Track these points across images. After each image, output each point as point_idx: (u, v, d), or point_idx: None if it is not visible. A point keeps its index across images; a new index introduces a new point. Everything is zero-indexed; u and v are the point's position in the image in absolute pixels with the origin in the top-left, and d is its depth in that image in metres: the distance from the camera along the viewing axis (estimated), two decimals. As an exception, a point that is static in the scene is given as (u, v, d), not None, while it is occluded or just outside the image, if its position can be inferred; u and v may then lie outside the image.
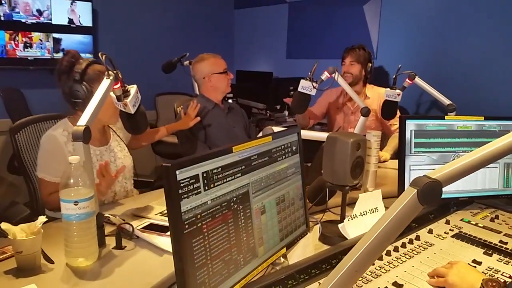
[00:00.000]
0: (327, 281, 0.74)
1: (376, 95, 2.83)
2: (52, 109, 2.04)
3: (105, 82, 1.34)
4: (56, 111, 1.95)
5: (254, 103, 3.82)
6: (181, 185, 0.80)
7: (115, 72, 1.35)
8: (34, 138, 1.81)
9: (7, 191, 3.30)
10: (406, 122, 1.54)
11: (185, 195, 0.81)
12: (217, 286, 0.88)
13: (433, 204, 0.70)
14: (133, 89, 1.43)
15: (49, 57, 3.65)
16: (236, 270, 0.94)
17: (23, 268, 1.11)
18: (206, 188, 0.86)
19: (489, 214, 1.56)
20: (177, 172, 0.79)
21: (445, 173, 0.74)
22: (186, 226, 0.81)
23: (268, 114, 3.77)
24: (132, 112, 1.43)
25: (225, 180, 0.92)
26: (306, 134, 1.56)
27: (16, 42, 3.44)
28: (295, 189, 1.20)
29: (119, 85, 1.37)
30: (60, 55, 3.68)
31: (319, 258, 1.14)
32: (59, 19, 3.66)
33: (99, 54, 1.35)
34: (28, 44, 3.51)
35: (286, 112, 3.89)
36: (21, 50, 3.47)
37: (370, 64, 2.84)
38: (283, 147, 1.15)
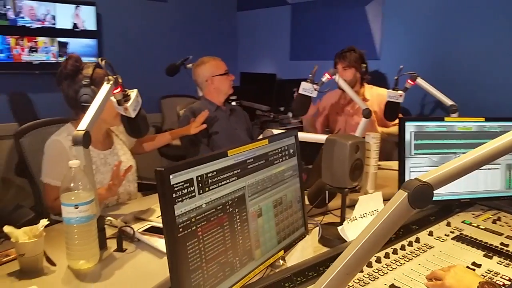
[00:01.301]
0: (318, 284, 0.75)
1: (375, 96, 2.82)
2: (58, 112, 2.06)
3: (105, 87, 1.36)
4: (62, 115, 1.97)
5: (258, 105, 3.82)
6: (175, 189, 0.81)
7: (114, 77, 1.37)
8: (38, 142, 1.83)
9: (16, 194, 3.33)
10: (406, 124, 1.54)
11: (179, 199, 0.82)
12: (212, 289, 0.89)
13: (424, 207, 0.70)
14: (133, 93, 1.45)
15: (54, 61, 3.68)
16: (232, 273, 0.95)
17: (25, 270, 1.12)
18: (201, 192, 0.87)
19: (491, 216, 1.55)
20: (171, 176, 0.80)
21: (436, 176, 0.74)
22: (181, 230, 0.82)
23: (272, 116, 3.77)
24: (133, 116, 1.44)
25: (220, 184, 0.92)
26: (304, 136, 1.57)
27: (22, 47, 3.49)
28: (293, 192, 1.21)
29: (119, 89, 1.39)
30: (63, 59, 3.72)
31: (316, 261, 1.15)
32: (64, 23, 3.70)
33: (99, 59, 1.37)
34: (33, 49, 3.55)
35: (290, 114, 3.89)
36: (26, 55, 3.51)
37: (365, 65, 2.82)
38: (280, 150, 1.16)
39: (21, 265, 1.12)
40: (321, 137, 1.55)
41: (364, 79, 2.87)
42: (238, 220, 0.97)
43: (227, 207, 0.94)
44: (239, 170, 0.99)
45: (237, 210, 0.97)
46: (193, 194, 0.85)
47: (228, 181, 0.95)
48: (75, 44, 3.79)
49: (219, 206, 0.92)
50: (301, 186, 1.25)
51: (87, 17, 3.84)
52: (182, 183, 0.82)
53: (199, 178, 0.87)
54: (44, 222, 1.15)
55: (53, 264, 1.17)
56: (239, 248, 0.97)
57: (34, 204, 1.81)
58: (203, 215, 0.87)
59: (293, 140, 1.23)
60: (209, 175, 0.90)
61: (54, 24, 3.64)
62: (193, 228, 0.85)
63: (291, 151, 1.21)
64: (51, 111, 2.50)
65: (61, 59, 3.71)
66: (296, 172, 1.23)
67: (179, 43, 4.55)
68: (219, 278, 0.91)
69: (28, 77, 3.59)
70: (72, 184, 1.13)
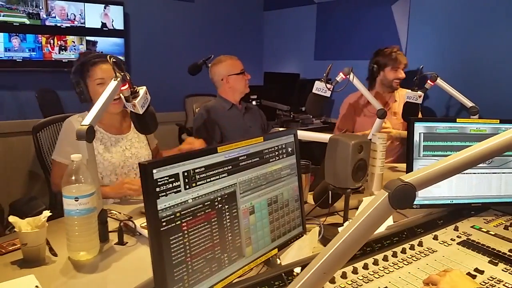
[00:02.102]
0: (295, 282, 0.74)
1: (403, 97, 2.77)
2: (84, 109, 2.14)
3: (112, 84, 1.39)
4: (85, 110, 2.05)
5: (278, 104, 3.82)
6: (158, 183, 0.82)
7: (122, 74, 1.40)
8: (55, 136, 1.90)
9: (42, 187, 3.46)
10: (415, 124, 1.50)
11: (163, 193, 0.83)
12: (197, 283, 0.90)
13: (404, 208, 0.68)
14: (142, 90, 1.48)
15: (83, 60, 3.80)
16: (219, 269, 0.95)
17: (28, 259, 1.17)
18: (187, 187, 0.88)
19: (504, 222, 1.49)
20: (154, 170, 0.81)
21: (419, 176, 0.72)
22: (164, 224, 0.83)
23: (292, 116, 3.75)
24: (141, 113, 1.48)
25: (208, 180, 0.93)
26: (307, 135, 1.55)
27: (52, 45, 3.62)
28: (290, 191, 1.20)
29: (126, 86, 1.42)
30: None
31: (310, 261, 1.13)
32: (92, 22, 3.82)
33: (107, 57, 1.41)
34: (63, 47, 3.68)
35: (313, 114, 3.86)
36: (56, 53, 3.64)
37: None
38: (276, 148, 1.15)
39: (24, 254, 1.17)
40: (324, 137, 1.53)
41: None
42: (227, 217, 0.98)
43: (216, 203, 0.95)
44: (230, 167, 0.99)
45: (227, 206, 0.98)
46: (178, 189, 0.86)
47: (217, 177, 0.95)
48: (103, 43, 3.90)
49: (207, 202, 0.92)
50: (299, 185, 1.24)
51: (115, 17, 3.94)
52: (167, 178, 0.83)
53: (186, 173, 0.88)
54: (46, 213, 1.19)
55: (55, 254, 1.21)
56: (228, 245, 0.98)
57: (49, 197, 1.87)
58: (189, 210, 0.88)
59: (292, 139, 1.22)
60: (197, 170, 0.90)
61: (83, 23, 3.76)
62: (177, 223, 0.85)
63: (290, 149, 1.20)
64: (78, 107, 2.58)
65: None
66: (294, 171, 1.22)
67: (205, 43, 4.60)
68: (205, 273, 0.91)
69: (57, 75, 3.71)
70: (73, 177, 1.17)
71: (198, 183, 0.91)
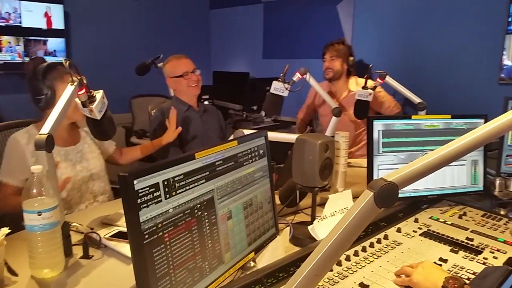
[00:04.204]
0: (286, 286, 0.74)
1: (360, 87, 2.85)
2: (22, 114, 2.01)
3: (69, 88, 1.32)
4: (26, 117, 1.91)
5: (230, 104, 3.81)
6: (140, 194, 0.79)
7: (79, 78, 1.33)
8: (1, 146, 1.77)
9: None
10: (374, 122, 1.56)
11: (144, 205, 0.80)
12: (181, 295, 0.87)
13: (389, 206, 0.71)
14: (98, 94, 1.41)
15: (20, 61, 3.57)
16: (201, 278, 0.93)
17: (-15, 281, 1.08)
18: (168, 197, 0.85)
19: (457, 211, 1.59)
20: (135, 181, 0.78)
21: (401, 175, 0.75)
22: (146, 236, 0.80)
23: (245, 115, 3.76)
24: (98, 118, 1.41)
25: (188, 187, 0.91)
26: (274, 136, 1.56)
27: (-16, 46, 3.37)
28: (263, 193, 1.20)
29: (83, 91, 1.35)
30: (31, 59, 3.61)
31: (287, 261, 1.14)
32: (30, 21, 3.59)
33: (63, 60, 1.33)
34: (-4, 48, 3.43)
35: (263, 113, 3.89)
36: (-11, 55, 3.40)
37: (352, 58, 2.84)
38: (249, 151, 1.15)
39: (-19, 277, 1.08)
40: (291, 137, 1.55)
41: (350, 72, 2.89)
42: (207, 224, 0.96)
43: (196, 211, 0.93)
44: (207, 173, 0.97)
45: (206, 213, 0.96)
46: (159, 199, 0.83)
47: (196, 184, 0.93)
48: (41, 44, 3.68)
49: (187, 210, 0.90)
50: (271, 186, 1.24)
51: (55, 16, 3.73)
52: (147, 188, 0.80)
53: (166, 182, 0.85)
54: (5, 230, 1.10)
55: (14, 274, 1.12)
56: (208, 252, 0.96)
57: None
58: (170, 220, 0.85)
59: (263, 141, 1.22)
60: (176, 178, 0.88)
61: (19, 22, 3.53)
62: (159, 234, 0.83)
63: (261, 151, 1.21)
64: (16, 113, 2.42)
65: (28, 59, 3.60)
66: (266, 173, 1.22)
67: (151, 42, 4.49)
68: (188, 284, 0.89)
69: (-9, 78, 3.47)
70: (34, 190, 1.09)
71: (178, 191, 0.88)
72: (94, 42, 4.11)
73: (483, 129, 0.80)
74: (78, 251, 1.26)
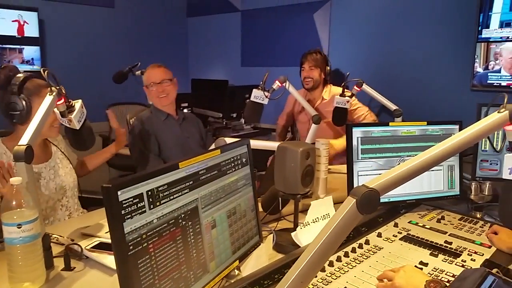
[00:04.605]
0: (274, 294, 0.75)
1: (333, 96, 2.89)
2: None
3: (48, 98, 1.30)
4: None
5: (210, 111, 3.81)
6: (124, 205, 0.78)
7: (58, 87, 1.32)
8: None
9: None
10: (353, 129, 1.59)
11: (128, 216, 0.79)
12: (166, 306, 0.87)
13: (371, 212, 0.72)
14: (77, 104, 1.40)
15: (-7, 70, 3.48)
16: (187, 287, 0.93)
17: (-39, 298, 1.05)
18: (152, 207, 0.85)
19: (435, 215, 1.63)
20: (119, 192, 0.77)
21: (382, 182, 0.77)
22: (131, 248, 0.79)
23: (224, 123, 3.77)
24: (77, 128, 1.39)
25: (172, 197, 0.91)
26: (256, 144, 1.57)
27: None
28: (247, 201, 1.21)
29: (62, 100, 1.34)
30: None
31: (271, 268, 1.15)
32: (2, 29, 3.51)
33: (41, 70, 1.31)
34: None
35: (243, 120, 3.90)
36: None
37: (328, 67, 2.90)
38: (232, 159, 1.16)
39: (-43, 293, 1.05)
40: (273, 145, 1.56)
41: (326, 81, 2.93)
42: (191, 233, 0.96)
43: (180, 220, 0.93)
44: (191, 182, 0.97)
45: (190, 223, 0.96)
46: (143, 209, 0.83)
47: (180, 194, 0.93)
48: (15, 52, 3.61)
49: (171, 220, 0.90)
50: (254, 194, 1.25)
51: (29, 23, 3.66)
52: (131, 199, 0.80)
53: (149, 192, 0.85)
54: (-19, 244, 1.07)
55: (-7, 288, 1.10)
56: (193, 262, 0.96)
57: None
58: (155, 230, 0.85)
59: (246, 149, 1.23)
60: (160, 189, 0.87)
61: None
62: (144, 245, 0.82)
63: (244, 160, 1.21)
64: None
65: (-1, 68, 3.52)
66: (249, 181, 1.23)
67: (127, 50, 4.45)
68: (173, 294, 0.89)
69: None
70: (14, 203, 1.07)
71: (162, 201, 0.88)
72: (70, 50, 4.05)
73: (460, 136, 0.84)
74: (59, 263, 1.23)
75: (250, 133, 3.85)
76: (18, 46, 3.62)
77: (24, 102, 1.50)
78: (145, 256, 0.82)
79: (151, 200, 0.85)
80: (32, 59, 3.71)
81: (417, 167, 0.81)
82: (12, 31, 3.57)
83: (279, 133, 3.23)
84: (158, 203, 0.87)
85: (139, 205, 0.82)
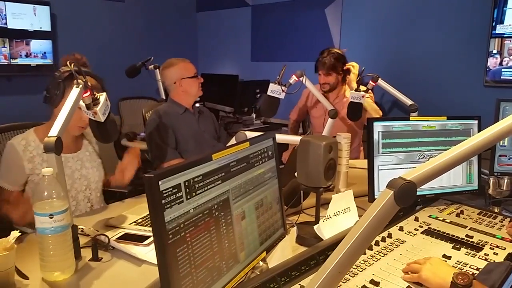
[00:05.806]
0: (312, 283, 0.76)
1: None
2: (10, 117, 1.98)
3: (75, 91, 1.31)
4: (14, 120, 1.88)
5: (221, 106, 3.82)
6: (164, 195, 0.80)
7: (84, 80, 1.33)
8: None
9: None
10: (374, 124, 1.60)
11: (168, 205, 0.81)
12: (202, 294, 0.88)
13: (408, 204, 0.73)
14: (102, 97, 1.41)
15: (6, 63, 3.51)
16: (219, 277, 0.95)
17: (-5, 287, 1.07)
18: (188, 197, 0.86)
19: (454, 210, 1.64)
20: (160, 182, 0.79)
21: (419, 174, 0.78)
22: (170, 236, 0.81)
23: (236, 117, 3.78)
24: (102, 120, 1.41)
25: (206, 188, 0.92)
26: (280, 138, 1.58)
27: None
28: (272, 193, 1.22)
29: (88, 93, 1.35)
30: (17, 61, 3.56)
31: (298, 260, 1.16)
32: (16, 23, 3.53)
33: (67, 63, 1.33)
34: (-18, 50, 3.37)
35: (254, 115, 3.91)
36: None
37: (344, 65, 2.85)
38: (260, 152, 1.17)
39: (-9, 281, 1.07)
40: (295, 138, 1.57)
41: (344, 79, 2.89)
42: (223, 224, 0.97)
43: (213, 211, 0.94)
44: (223, 174, 0.99)
45: (222, 213, 0.97)
46: (181, 199, 0.84)
47: (213, 185, 0.95)
48: (28, 46, 3.62)
49: (206, 210, 0.91)
50: (279, 187, 1.26)
51: (42, 18, 3.69)
52: (171, 189, 0.81)
53: (187, 183, 0.86)
54: (15, 233, 1.09)
55: (25, 277, 1.11)
56: (225, 252, 0.97)
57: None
58: (191, 220, 0.87)
59: (272, 142, 1.24)
60: (196, 179, 0.89)
61: (5, 24, 3.46)
62: (182, 234, 0.84)
63: (270, 153, 1.23)
64: (3, 116, 2.38)
65: (14, 61, 3.54)
66: (275, 173, 1.24)
67: (137, 44, 4.47)
68: (207, 283, 0.90)
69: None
70: (45, 193, 1.08)
71: (198, 192, 0.89)
72: (81, 44, 4.06)
73: (497, 128, 0.84)
74: (85, 253, 1.25)
75: (260, 128, 3.85)
76: (30, 40, 3.64)
77: (60, 87, 1.57)
78: (183, 245, 0.84)
79: (188, 190, 0.86)
80: (45, 52, 3.73)
81: (453, 160, 0.82)
82: (25, 25, 3.59)
83: (292, 128, 3.23)
84: (194, 194, 0.88)
85: (177, 195, 0.83)
